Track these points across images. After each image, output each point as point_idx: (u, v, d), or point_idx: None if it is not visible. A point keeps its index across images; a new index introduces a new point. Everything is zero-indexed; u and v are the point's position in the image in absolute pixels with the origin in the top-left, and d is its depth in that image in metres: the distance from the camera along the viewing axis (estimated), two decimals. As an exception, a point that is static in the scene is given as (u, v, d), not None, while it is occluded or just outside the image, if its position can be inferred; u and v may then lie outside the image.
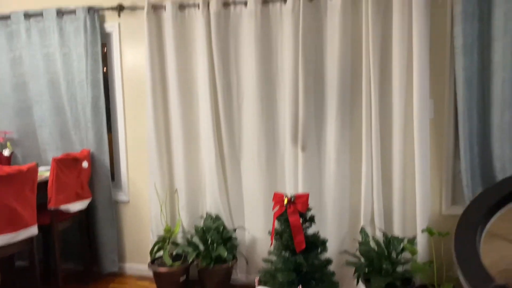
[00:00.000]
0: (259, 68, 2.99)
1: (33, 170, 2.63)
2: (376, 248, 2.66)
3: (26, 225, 2.60)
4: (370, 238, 2.78)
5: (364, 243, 2.72)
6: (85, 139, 3.35)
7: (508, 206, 0.91)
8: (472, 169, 2.69)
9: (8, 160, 3.42)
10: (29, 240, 2.68)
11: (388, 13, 2.75)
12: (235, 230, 3.12)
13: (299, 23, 2.86)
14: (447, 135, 2.81)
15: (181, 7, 3.11)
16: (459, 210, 2.74)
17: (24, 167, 2.56)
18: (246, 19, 2.99)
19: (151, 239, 3.27)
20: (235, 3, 3.02)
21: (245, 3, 2.98)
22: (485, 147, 2.71)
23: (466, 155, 2.66)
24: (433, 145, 2.81)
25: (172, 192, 3.26)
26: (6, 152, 3.39)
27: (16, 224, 2.54)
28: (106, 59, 3.42)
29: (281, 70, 3.01)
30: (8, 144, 3.44)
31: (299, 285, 2.15)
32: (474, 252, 0.77)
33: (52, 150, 3.43)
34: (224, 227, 3.06)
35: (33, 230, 2.66)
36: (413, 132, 2.71)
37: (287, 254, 2.31)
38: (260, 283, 2.34)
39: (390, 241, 2.66)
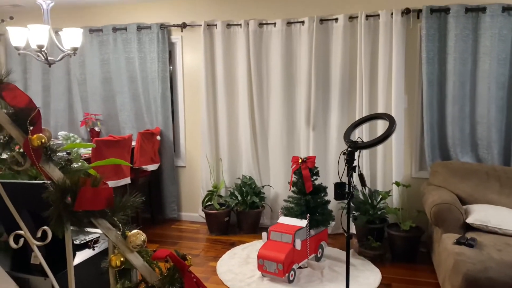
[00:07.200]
0: (283, 71, 4.17)
1: (130, 139, 3.87)
2: (362, 198, 3.84)
3: (124, 176, 3.86)
4: (359, 191, 3.95)
5: (354, 195, 3.89)
6: (154, 121, 4.59)
7: (362, 124, 2.80)
8: (432, 145, 3.82)
9: (98, 134, 4.69)
10: (124, 187, 3.94)
11: (375, 34, 3.90)
12: (263, 186, 4.33)
13: (313, 39, 4.03)
14: (416, 121, 3.96)
15: (228, 25, 4.30)
16: (424, 174, 3.91)
17: (125, 136, 3.81)
18: (275, 35, 4.17)
19: (201, 194, 4.50)
20: (267, 24, 4.20)
21: (274, 24, 4.16)
22: (442, 130, 3.84)
23: (428, 135, 3.80)
24: (405, 127, 3.96)
25: (217, 160, 4.49)
26: (97, 128, 4.66)
27: (119, 174, 3.80)
28: (171, 62, 4.65)
29: (299, 73, 4.18)
30: (98, 123, 4.72)
31: (307, 214, 3.33)
32: (349, 134, 2.50)
33: (129, 128, 4.69)
34: (255, 185, 4.27)
35: (128, 180, 3.92)
36: (391, 118, 3.88)
37: (300, 195, 3.49)
38: (282, 214, 3.54)
39: (372, 193, 3.83)
